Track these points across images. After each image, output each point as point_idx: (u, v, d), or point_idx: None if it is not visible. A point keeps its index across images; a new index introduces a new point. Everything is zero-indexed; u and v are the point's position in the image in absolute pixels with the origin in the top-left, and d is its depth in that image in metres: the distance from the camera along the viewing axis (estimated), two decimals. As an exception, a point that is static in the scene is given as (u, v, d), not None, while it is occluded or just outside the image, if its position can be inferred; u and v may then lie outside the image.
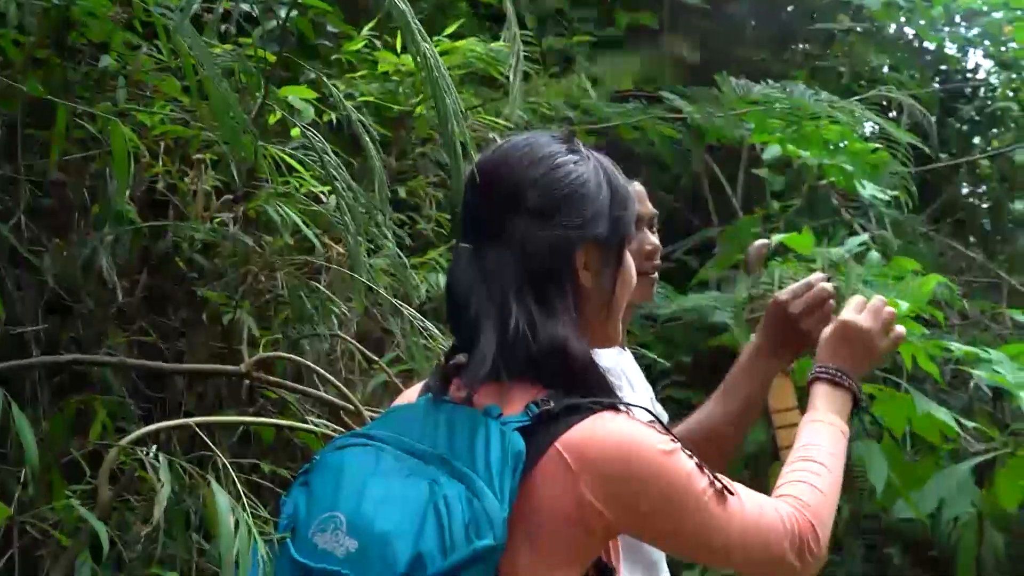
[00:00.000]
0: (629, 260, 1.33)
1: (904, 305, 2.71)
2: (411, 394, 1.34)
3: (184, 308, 2.53)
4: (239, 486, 1.53)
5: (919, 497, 3.11)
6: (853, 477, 3.58)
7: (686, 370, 4.09)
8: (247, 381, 2.21)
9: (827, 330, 1.50)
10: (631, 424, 1.18)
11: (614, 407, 1.18)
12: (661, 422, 1.22)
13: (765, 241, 2.16)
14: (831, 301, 1.63)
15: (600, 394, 1.19)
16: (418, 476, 1.12)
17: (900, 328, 1.50)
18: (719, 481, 1.20)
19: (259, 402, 2.29)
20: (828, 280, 1.73)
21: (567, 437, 1.15)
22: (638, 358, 2.25)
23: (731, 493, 1.20)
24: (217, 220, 2.14)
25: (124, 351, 2.32)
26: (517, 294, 1.20)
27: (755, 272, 2.20)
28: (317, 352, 2.46)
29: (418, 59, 1.76)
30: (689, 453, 1.20)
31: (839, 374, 1.45)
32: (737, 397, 1.72)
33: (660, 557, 1.90)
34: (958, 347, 2.97)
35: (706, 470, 1.19)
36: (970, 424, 2.96)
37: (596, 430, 1.16)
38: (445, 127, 1.93)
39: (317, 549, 1.11)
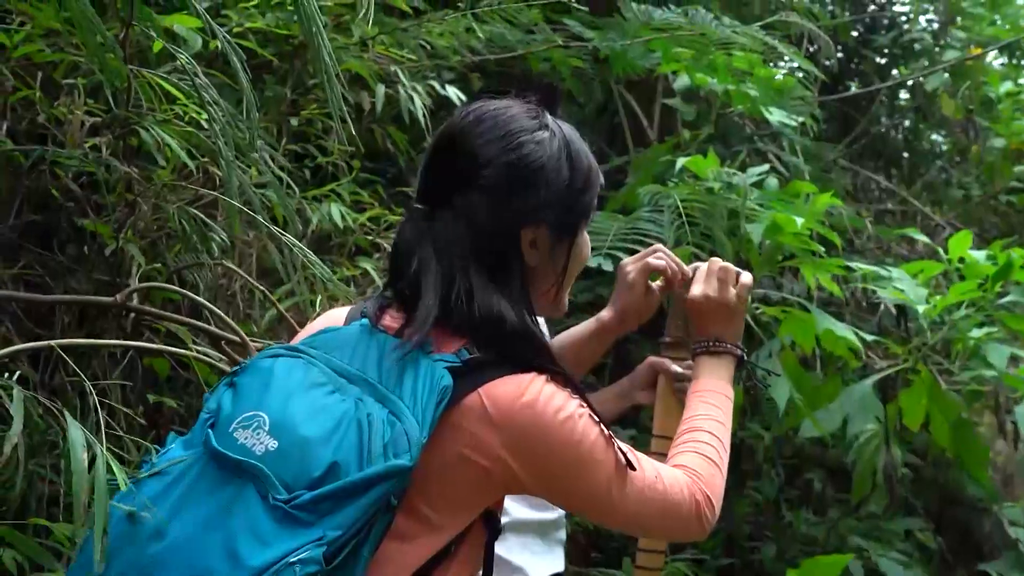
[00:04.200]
0: (584, 238, 1.36)
1: (799, 221, 2.74)
2: (337, 315, 1.36)
3: (72, 244, 2.48)
4: (100, 413, 1.49)
5: (825, 415, 3.17)
6: (766, 400, 3.66)
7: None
8: (131, 315, 2.17)
9: (688, 307, 1.55)
10: (552, 388, 1.21)
11: (540, 369, 1.22)
12: (578, 387, 1.25)
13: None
14: (669, 265, 1.60)
15: (534, 360, 1.22)
16: (344, 393, 1.16)
17: (745, 275, 1.54)
18: (622, 452, 1.24)
19: (145, 335, 2.26)
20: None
21: (491, 387, 1.19)
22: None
23: (632, 468, 1.25)
24: (89, 144, 2.08)
25: (11, 288, 2.26)
26: (462, 265, 1.23)
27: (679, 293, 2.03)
28: (209, 286, 2.42)
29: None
30: (597, 420, 1.24)
31: (713, 343, 1.51)
32: (584, 366, 1.72)
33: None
34: (858, 266, 3.02)
35: (612, 439, 1.24)
36: (870, 338, 3.02)
37: (520, 386, 1.19)
38: (317, 57, 1.89)
39: (236, 443, 1.14)
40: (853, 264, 3.02)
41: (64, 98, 2.16)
